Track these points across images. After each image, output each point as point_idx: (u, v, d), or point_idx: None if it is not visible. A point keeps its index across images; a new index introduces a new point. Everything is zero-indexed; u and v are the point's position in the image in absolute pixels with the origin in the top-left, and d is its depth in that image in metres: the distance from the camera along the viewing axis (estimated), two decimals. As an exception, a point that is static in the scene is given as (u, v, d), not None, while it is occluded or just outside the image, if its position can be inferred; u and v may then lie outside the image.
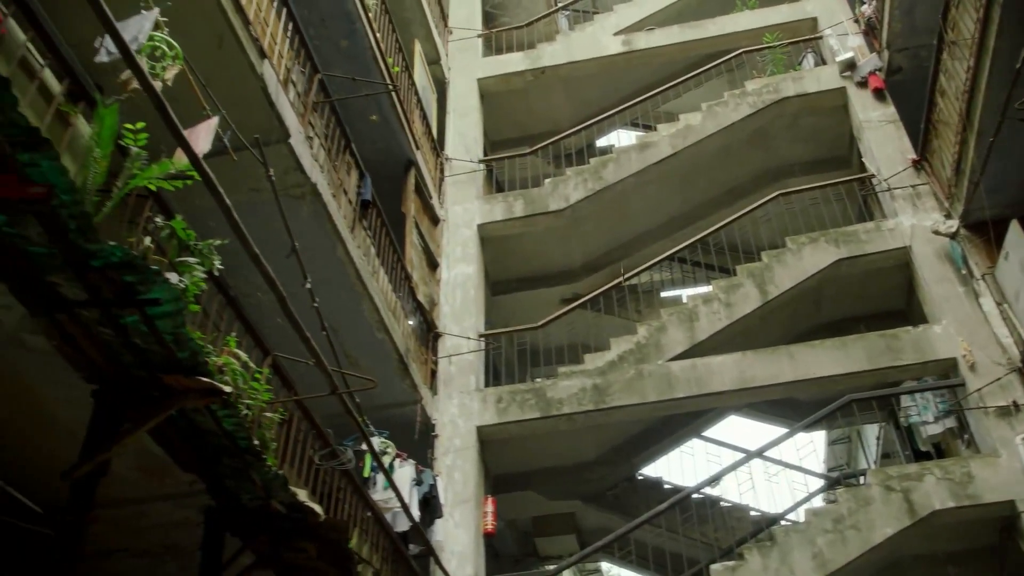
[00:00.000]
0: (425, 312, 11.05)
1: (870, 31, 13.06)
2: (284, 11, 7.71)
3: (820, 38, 13.82)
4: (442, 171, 13.37)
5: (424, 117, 12.69)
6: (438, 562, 8.95)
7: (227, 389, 4.57)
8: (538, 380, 11.18)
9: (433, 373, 11.09)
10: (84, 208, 3.67)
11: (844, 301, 12.19)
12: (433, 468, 10.05)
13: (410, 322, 10.50)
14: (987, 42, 8.70)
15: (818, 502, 12.79)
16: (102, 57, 4.77)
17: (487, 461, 10.99)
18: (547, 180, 13.04)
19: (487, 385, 11.40)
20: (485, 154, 14.23)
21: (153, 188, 4.91)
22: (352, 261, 8.56)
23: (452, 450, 10.47)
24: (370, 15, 10.37)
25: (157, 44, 5.40)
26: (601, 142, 16.53)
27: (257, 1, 7.09)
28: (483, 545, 10.09)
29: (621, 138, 16.89)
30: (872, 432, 16.41)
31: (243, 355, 5.66)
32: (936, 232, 10.70)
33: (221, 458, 5.27)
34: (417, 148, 11.81)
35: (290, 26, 7.85)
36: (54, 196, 3.55)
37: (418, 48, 13.11)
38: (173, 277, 4.82)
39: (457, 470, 10.33)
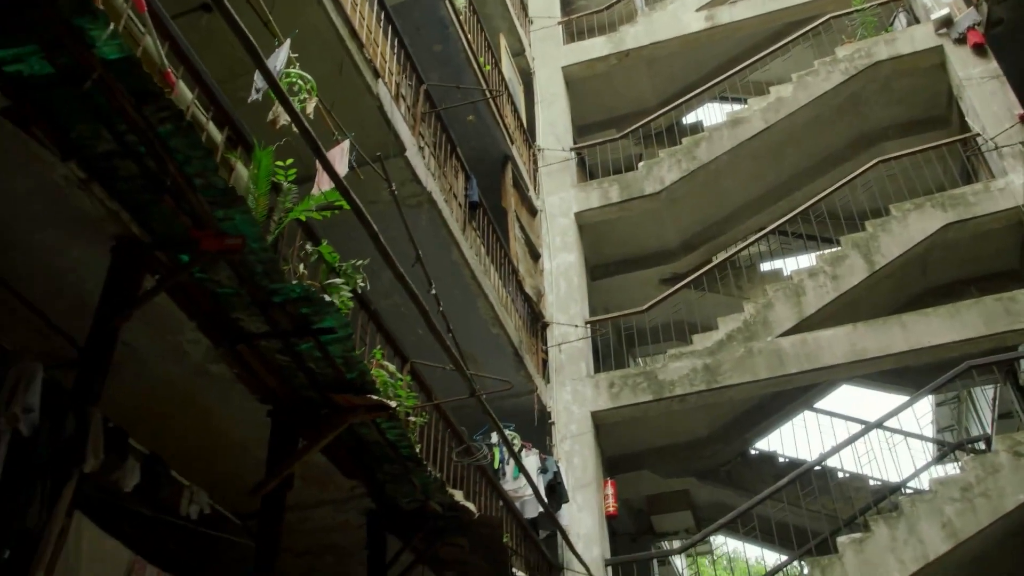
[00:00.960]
0: (533, 303, 11.33)
1: (965, -16, 12.67)
2: (390, 28, 8.01)
3: (912, -4, 13.49)
4: (535, 162, 13.58)
5: (515, 111, 12.90)
6: (568, 543, 9.25)
7: (392, 404, 4.91)
8: (642, 361, 11.28)
9: (544, 362, 11.37)
10: (270, 253, 4.02)
11: (951, 265, 11.98)
12: (552, 455, 10.36)
13: (519, 314, 10.79)
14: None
15: (936, 468, 12.68)
16: (254, 95, 5.12)
17: (602, 444, 11.23)
18: (641, 163, 13.11)
19: (596, 370, 11.62)
20: (574, 140, 14.37)
21: (303, 219, 5.28)
22: (467, 262, 8.87)
23: (569, 436, 10.75)
24: (460, 18, 10.62)
25: (294, 79, 5.78)
26: (688, 118, 16.50)
27: (368, 24, 7.42)
28: (606, 527, 10.37)
29: (708, 112, 16.84)
30: (985, 393, 16.05)
31: (391, 366, 6.03)
32: (1051, 189, 10.45)
33: (382, 465, 5.65)
34: (512, 142, 12.05)
35: (395, 42, 8.15)
36: (246, 245, 3.92)
37: (503, 42, 13.29)
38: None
39: (576, 455, 10.61)
